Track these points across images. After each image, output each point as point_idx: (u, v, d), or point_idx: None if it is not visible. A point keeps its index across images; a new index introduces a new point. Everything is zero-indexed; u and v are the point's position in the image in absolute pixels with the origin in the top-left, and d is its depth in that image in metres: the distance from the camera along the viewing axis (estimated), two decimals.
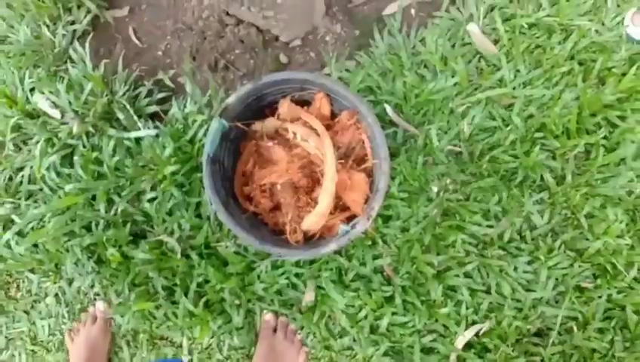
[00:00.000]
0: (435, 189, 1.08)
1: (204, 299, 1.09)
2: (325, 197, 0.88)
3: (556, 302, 1.03)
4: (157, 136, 1.18)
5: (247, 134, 0.98)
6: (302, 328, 1.10)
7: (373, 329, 1.04)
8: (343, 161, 0.93)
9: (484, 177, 1.07)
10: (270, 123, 0.96)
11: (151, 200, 1.15)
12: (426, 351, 1.04)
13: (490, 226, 1.05)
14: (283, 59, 1.25)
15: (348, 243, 0.88)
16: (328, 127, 0.94)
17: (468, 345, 1.02)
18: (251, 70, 1.26)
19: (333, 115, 0.98)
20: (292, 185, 0.93)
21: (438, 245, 1.06)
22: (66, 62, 1.26)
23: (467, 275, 1.04)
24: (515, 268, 1.03)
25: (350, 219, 0.93)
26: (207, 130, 1.14)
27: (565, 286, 1.02)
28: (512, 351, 1.00)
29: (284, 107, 0.95)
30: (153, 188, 1.17)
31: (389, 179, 0.88)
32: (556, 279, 1.03)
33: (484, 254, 1.05)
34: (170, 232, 1.13)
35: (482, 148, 1.08)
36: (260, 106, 0.98)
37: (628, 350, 0.96)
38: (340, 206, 0.93)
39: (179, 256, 1.11)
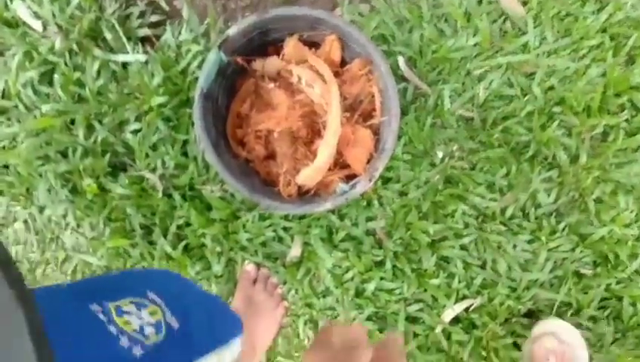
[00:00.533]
0: (440, 154, 1.01)
1: (183, 243, 1.03)
2: (325, 150, 0.81)
3: (551, 286, 1.00)
4: (146, 62, 1.07)
5: (246, 72, 0.89)
6: (284, 283, 1.05)
7: (359, 293, 1.00)
8: (348, 114, 0.85)
9: (494, 147, 1.01)
10: (273, 62, 0.87)
11: (134, 132, 1.06)
12: (411, 319, 1.00)
13: (494, 200, 1.00)
14: None
15: (344, 203, 0.82)
16: (336, 75, 0.86)
17: (455, 319, 0.98)
18: (255, 1, 1.15)
19: (343, 62, 0.90)
20: (290, 133, 0.85)
21: (436, 213, 1.00)
22: None
23: (463, 248, 0.99)
24: (514, 246, 0.99)
25: (350, 177, 0.86)
26: (201, 62, 1.05)
27: (563, 270, 0.98)
28: (500, 329, 0.96)
29: (290, 46, 0.86)
30: (138, 119, 1.08)
31: (397, 139, 0.81)
32: (555, 262, 0.98)
33: (484, 228, 1.00)
34: (152, 168, 1.05)
35: (495, 117, 1.01)
36: (264, 42, 0.89)
37: (618, 342, 0.94)
38: (340, 163, 0.86)
39: (160, 194, 1.03)
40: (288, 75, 0.86)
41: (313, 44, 0.90)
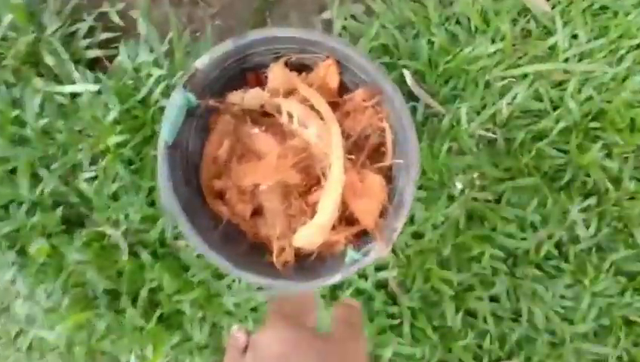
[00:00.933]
0: (459, 186, 0.85)
1: (157, 313, 0.85)
2: (328, 204, 0.64)
3: (595, 335, 0.84)
4: (99, 92, 0.88)
5: (220, 108, 0.71)
6: None
7: (372, 360, 0.84)
8: (353, 156, 0.68)
9: (523, 175, 0.85)
10: (254, 95, 0.69)
11: (90, 180, 0.88)
12: None
13: (525, 238, 0.84)
14: None
15: (356, 273, 0.65)
16: (335, 107, 0.68)
17: None
18: (227, 7, 0.96)
19: (342, 88, 0.72)
20: (282, 185, 0.68)
21: (459, 258, 0.84)
22: None
23: (493, 299, 0.83)
24: (552, 293, 0.83)
25: (359, 236, 0.69)
26: (165, 89, 0.86)
27: (610, 318, 0.83)
28: None
29: (276, 74, 0.68)
30: (93, 163, 0.89)
31: (416, 188, 0.64)
32: (600, 308, 0.83)
33: (515, 273, 0.84)
34: (114, 222, 0.87)
35: (523, 137, 0.84)
36: (242, 69, 0.70)
37: None
38: (345, 217, 0.69)
39: (125, 255, 0.85)
40: (275, 111, 0.68)
41: (302, 67, 0.72)
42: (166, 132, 0.62)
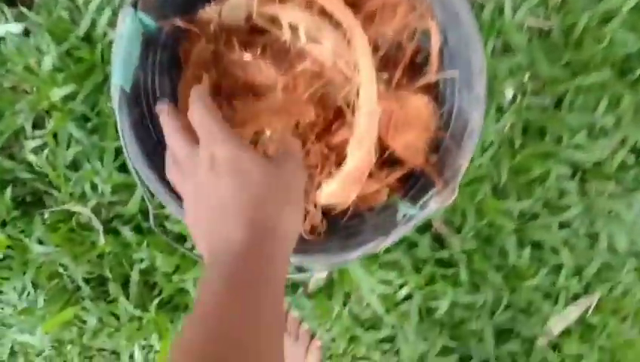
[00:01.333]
0: (509, 93, 0.67)
1: (156, 300, 0.69)
2: (360, 145, 0.46)
3: None
4: (26, 33, 0.67)
5: (190, 31, 0.51)
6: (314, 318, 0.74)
7: (423, 316, 0.70)
8: (385, 74, 0.49)
9: (588, 70, 0.66)
10: (237, 4, 0.49)
11: (38, 149, 0.68)
12: (501, 334, 0.71)
13: (595, 149, 0.67)
14: None
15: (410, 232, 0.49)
16: (354, 7, 0.48)
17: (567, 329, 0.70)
18: None
19: None
20: (294, 126, 0.49)
21: (517, 183, 0.67)
22: None
23: (563, 225, 0.68)
24: (634, 210, 0.68)
25: (404, 180, 0.52)
26: (112, 17, 0.65)
27: None
28: (630, 329, 0.69)
29: None
30: (38, 126, 0.69)
31: (484, 107, 0.46)
32: None
33: (587, 191, 0.68)
34: (79, 197, 0.69)
35: (586, 23, 0.65)
36: None
37: None
38: (384, 157, 0.51)
39: (101, 236, 0.68)
40: (270, 26, 0.48)
41: None
42: (119, 74, 0.42)
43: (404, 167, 0.51)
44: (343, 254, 0.48)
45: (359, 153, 0.46)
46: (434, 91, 0.52)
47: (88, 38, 0.66)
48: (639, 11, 0.66)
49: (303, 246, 0.49)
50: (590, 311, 0.69)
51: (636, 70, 0.67)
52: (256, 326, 0.32)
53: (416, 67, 0.52)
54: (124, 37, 0.42)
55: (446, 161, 0.48)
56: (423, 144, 0.51)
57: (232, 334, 0.30)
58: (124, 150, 0.43)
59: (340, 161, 0.48)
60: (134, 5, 0.43)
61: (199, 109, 0.37)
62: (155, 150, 0.47)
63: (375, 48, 0.49)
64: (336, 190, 0.49)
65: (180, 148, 0.38)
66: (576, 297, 0.69)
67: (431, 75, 0.50)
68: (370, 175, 0.49)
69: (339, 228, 0.52)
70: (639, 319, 0.69)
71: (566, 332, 0.70)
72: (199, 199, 0.36)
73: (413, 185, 0.51)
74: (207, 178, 0.35)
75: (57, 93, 0.65)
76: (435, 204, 0.46)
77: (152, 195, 0.46)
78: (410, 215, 0.47)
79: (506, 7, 0.65)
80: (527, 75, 0.68)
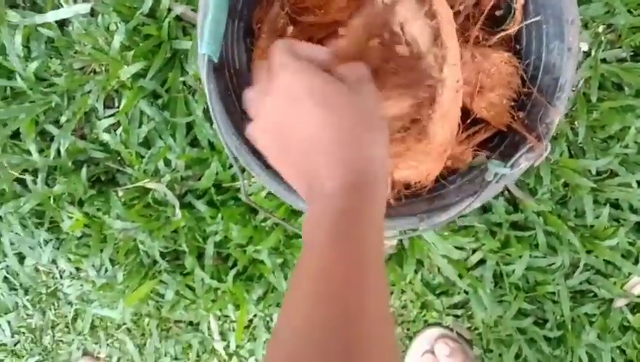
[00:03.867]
0: (584, 46, 0.65)
1: (233, 271, 0.71)
2: (441, 124, 0.45)
3: None
4: (92, 14, 0.68)
5: None
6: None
7: (499, 280, 0.69)
8: (463, 31, 0.48)
9: None
10: None
11: (110, 128, 0.70)
12: (577, 296, 0.70)
13: None
14: None
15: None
16: None
17: None
18: None
19: None
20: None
21: (594, 141, 0.66)
22: None
23: None
24: None
25: (491, 138, 0.51)
26: None
27: None
28: None
29: None
30: (109, 106, 0.71)
31: (576, 58, 0.44)
32: None
33: None
34: (153, 174, 0.70)
35: None
36: None
37: None
38: (468, 117, 0.50)
39: (177, 211, 0.69)
40: None
41: None
42: (208, 44, 0.42)
43: (490, 127, 0.50)
44: (432, 220, 0.48)
45: (442, 130, 0.45)
46: (516, 47, 0.50)
47: (154, 15, 0.66)
48: None
49: (387, 211, 0.49)
50: None
51: None
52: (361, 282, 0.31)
53: (496, 21, 0.51)
54: (212, 4, 0.42)
55: (536, 116, 0.47)
56: (507, 102, 0.50)
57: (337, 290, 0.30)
58: (214, 121, 0.44)
59: (419, 137, 0.47)
60: None
61: (279, 47, 0.37)
62: (241, 121, 0.47)
63: (455, 13, 0.47)
64: (419, 167, 0.48)
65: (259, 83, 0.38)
66: None
67: (513, 27, 0.49)
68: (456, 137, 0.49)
69: (423, 191, 0.52)
70: None
71: None
72: (284, 135, 0.36)
73: (501, 143, 0.50)
74: (290, 110, 0.35)
75: (127, 72, 0.66)
76: (527, 162, 0.45)
77: (242, 170, 0.47)
78: (502, 174, 0.46)
79: None
80: (602, 27, 0.65)
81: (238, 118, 0.47)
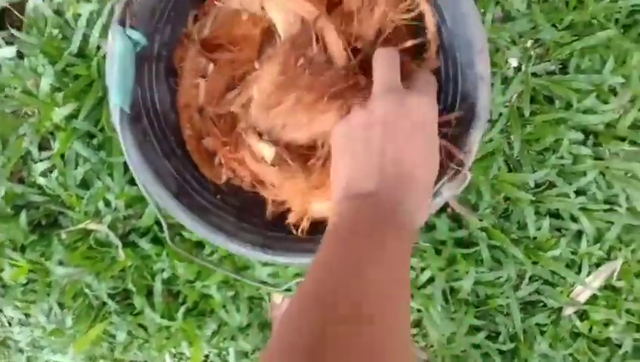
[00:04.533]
0: (513, 62, 0.66)
1: (182, 308, 0.70)
2: None
3: None
4: (20, 56, 0.66)
5: (181, 38, 0.50)
6: None
7: (448, 295, 0.69)
8: None
9: (592, 29, 0.65)
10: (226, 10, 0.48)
11: (46, 172, 0.68)
12: (527, 307, 0.71)
13: (605, 110, 0.66)
14: None
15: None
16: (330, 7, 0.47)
17: (592, 296, 0.69)
18: None
19: None
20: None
21: (530, 154, 0.66)
22: None
23: (580, 192, 0.67)
24: None
25: None
26: (103, 29, 0.64)
27: None
28: None
29: None
30: (45, 147, 0.69)
31: (490, 88, 0.45)
32: None
33: (600, 154, 0.67)
34: (94, 214, 0.69)
35: None
36: None
37: None
38: None
39: (120, 252, 0.68)
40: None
41: None
42: (116, 94, 0.42)
43: None
44: None
45: None
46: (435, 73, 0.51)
47: (82, 54, 0.65)
48: None
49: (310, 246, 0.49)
50: (615, 277, 0.68)
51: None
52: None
53: (415, 49, 0.51)
54: (117, 56, 0.41)
55: (455, 145, 0.47)
56: None
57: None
58: (131, 170, 0.43)
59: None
60: (122, 23, 0.42)
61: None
62: (162, 165, 0.47)
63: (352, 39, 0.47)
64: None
65: None
66: (599, 263, 0.68)
67: (431, 60, 0.49)
68: None
69: None
70: None
71: (592, 300, 0.69)
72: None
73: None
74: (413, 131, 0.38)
75: (59, 113, 0.65)
76: (448, 192, 0.46)
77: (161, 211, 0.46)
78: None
79: None
80: (530, 42, 0.66)
81: (160, 163, 0.47)
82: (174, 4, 0.48)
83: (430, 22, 0.48)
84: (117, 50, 0.41)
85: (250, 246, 0.47)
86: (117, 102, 0.42)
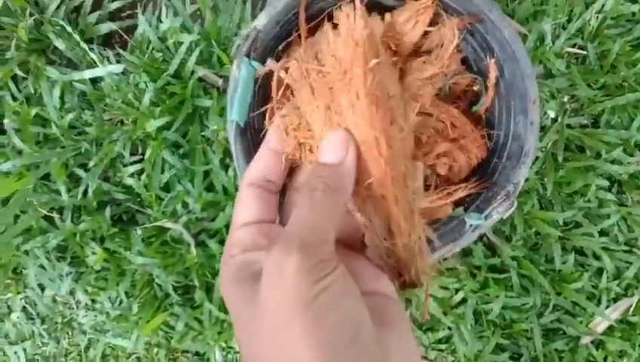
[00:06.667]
0: (551, 113, 0.75)
1: None
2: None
3: None
4: (124, 72, 0.77)
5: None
6: None
7: (479, 317, 0.77)
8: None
9: (623, 91, 0.74)
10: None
11: (134, 174, 0.78)
12: (548, 333, 0.78)
13: (631, 162, 0.75)
14: None
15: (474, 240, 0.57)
16: (408, 58, 0.57)
17: (609, 327, 0.77)
18: None
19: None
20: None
21: (561, 195, 0.75)
22: None
23: (603, 233, 0.76)
24: None
25: (466, 197, 0.60)
26: (200, 57, 0.75)
27: None
28: None
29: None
30: (134, 152, 0.79)
31: (538, 131, 0.54)
32: None
33: (624, 201, 0.75)
34: (171, 214, 0.78)
35: (619, 49, 0.73)
36: (300, 21, 0.59)
37: None
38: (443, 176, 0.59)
39: (193, 249, 0.77)
40: None
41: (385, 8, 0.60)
42: (237, 112, 0.51)
43: (467, 187, 0.60)
44: None
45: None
46: (489, 118, 0.60)
47: (179, 76, 0.76)
48: None
49: None
50: (631, 311, 0.76)
51: None
52: None
53: (472, 94, 0.61)
54: (242, 81, 0.51)
55: (505, 177, 0.56)
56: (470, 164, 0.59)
57: None
58: (237, 171, 0.53)
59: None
60: (248, 55, 0.52)
61: None
62: None
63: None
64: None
65: None
66: (617, 298, 0.76)
67: (486, 102, 0.59)
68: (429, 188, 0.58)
69: None
70: None
71: (609, 331, 0.76)
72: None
73: (477, 198, 0.59)
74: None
75: (154, 124, 0.75)
76: (497, 215, 0.54)
77: None
78: (477, 224, 0.55)
79: (547, 37, 0.73)
80: (566, 97, 0.76)
81: None
82: (284, 44, 0.58)
83: (493, 74, 0.57)
84: (242, 77, 0.51)
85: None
86: (235, 118, 0.51)
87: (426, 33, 0.58)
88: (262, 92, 0.61)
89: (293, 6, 0.54)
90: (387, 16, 0.59)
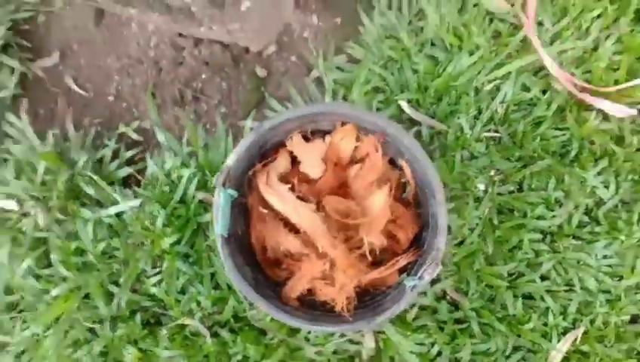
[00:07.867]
0: (481, 186, 0.92)
1: None
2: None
3: None
4: (140, 205, 0.98)
5: (252, 185, 0.80)
6: None
7: None
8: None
9: (535, 160, 0.92)
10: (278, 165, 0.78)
11: (156, 283, 0.96)
12: None
13: (554, 216, 0.90)
14: (260, 72, 1.04)
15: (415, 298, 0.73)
16: (343, 170, 0.77)
17: (565, 359, 0.89)
18: (226, 94, 1.06)
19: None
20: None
21: (502, 251, 0.91)
22: (2, 142, 1.03)
23: (544, 278, 0.90)
24: (595, 256, 0.89)
25: (406, 266, 0.77)
26: (199, 185, 0.95)
27: None
28: (617, 349, 0.87)
29: (296, 146, 0.77)
30: (154, 266, 0.98)
31: (446, 209, 0.71)
32: None
33: (556, 248, 0.90)
34: (188, 312, 0.96)
35: (524, 128, 0.92)
36: (264, 151, 0.79)
37: None
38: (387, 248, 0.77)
39: (208, 339, 0.93)
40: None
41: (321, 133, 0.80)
42: (219, 227, 0.70)
43: (406, 257, 0.76)
44: (375, 319, 0.72)
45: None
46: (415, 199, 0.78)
47: (183, 201, 0.96)
48: (560, 112, 0.92)
49: (343, 319, 0.73)
50: (579, 341, 0.88)
51: (571, 153, 0.91)
52: None
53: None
54: (221, 204, 0.71)
55: (431, 245, 0.73)
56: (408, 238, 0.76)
57: None
58: (226, 272, 0.70)
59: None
60: (224, 185, 0.72)
61: None
62: (244, 270, 0.74)
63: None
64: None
65: None
66: (565, 332, 0.89)
67: (408, 192, 0.77)
68: (381, 263, 0.75)
69: (363, 304, 0.77)
70: (620, 341, 0.88)
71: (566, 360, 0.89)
72: None
73: (413, 266, 0.76)
74: None
75: (167, 241, 0.94)
76: (428, 276, 0.71)
77: (251, 304, 0.72)
78: (414, 285, 0.71)
79: (465, 128, 0.92)
80: (493, 171, 0.93)
81: (246, 270, 0.74)
82: (252, 164, 0.78)
83: (407, 171, 0.76)
84: (220, 201, 0.71)
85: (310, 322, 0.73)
86: (220, 231, 0.70)
87: (355, 148, 0.78)
88: (241, 206, 0.81)
89: (255, 145, 0.74)
90: (327, 137, 0.79)
